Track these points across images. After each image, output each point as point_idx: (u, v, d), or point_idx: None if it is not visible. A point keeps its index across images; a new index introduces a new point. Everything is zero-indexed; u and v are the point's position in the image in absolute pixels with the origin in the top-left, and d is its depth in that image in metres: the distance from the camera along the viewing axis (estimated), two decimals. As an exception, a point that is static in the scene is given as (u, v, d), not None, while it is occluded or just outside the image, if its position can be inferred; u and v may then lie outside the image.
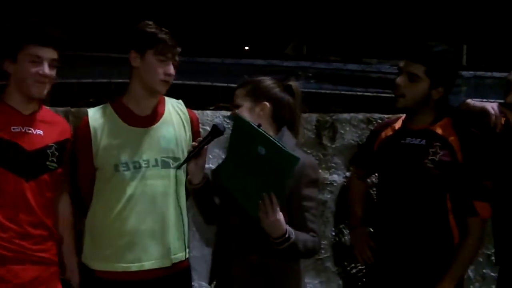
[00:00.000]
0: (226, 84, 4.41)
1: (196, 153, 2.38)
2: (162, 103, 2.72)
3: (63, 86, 4.06)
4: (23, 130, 2.55)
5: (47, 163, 2.57)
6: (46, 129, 2.61)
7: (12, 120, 2.54)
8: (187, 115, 2.74)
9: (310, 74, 4.75)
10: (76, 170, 2.71)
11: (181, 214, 2.68)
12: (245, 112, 2.45)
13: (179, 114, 2.72)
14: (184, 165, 2.50)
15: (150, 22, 2.65)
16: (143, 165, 2.60)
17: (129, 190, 2.59)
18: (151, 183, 2.60)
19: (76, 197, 2.77)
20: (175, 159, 2.61)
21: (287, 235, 2.25)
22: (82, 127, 2.67)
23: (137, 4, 5.99)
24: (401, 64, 2.65)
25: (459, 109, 2.69)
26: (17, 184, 2.51)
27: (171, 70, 2.62)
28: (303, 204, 2.39)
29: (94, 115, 2.66)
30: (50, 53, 2.53)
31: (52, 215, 2.64)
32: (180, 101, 2.79)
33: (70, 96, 3.86)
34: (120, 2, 6.00)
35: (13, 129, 2.53)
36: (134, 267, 2.59)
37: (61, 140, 2.64)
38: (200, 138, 2.42)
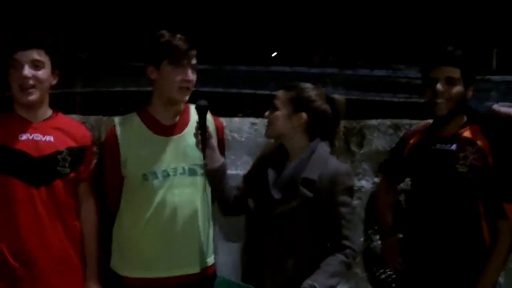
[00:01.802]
0: (253, 91, 4.42)
1: (203, 139, 2.45)
2: (187, 111, 2.73)
3: (95, 95, 4.12)
4: (31, 138, 2.58)
5: (58, 168, 2.60)
6: (58, 135, 2.63)
7: (20, 128, 2.59)
8: (213, 123, 2.75)
9: (339, 81, 4.75)
10: (103, 179, 2.74)
11: (208, 220, 2.72)
12: (281, 118, 2.48)
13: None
14: None
15: (163, 32, 2.65)
16: (171, 173, 2.63)
17: (157, 199, 2.62)
18: (179, 192, 2.64)
19: (103, 205, 2.80)
20: (202, 166, 2.63)
21: None
22: (109, 136, 2.70)
23: (164, 13, 6.06)
24: (434, 72, 2.64)
25: (486, 115, 2.69)
26: (27, 191, 2.55)
27: (189, 75, 2.62)
28: (339, 210, 2.43)
29: (121, 124, 2.69)
30: (31, 55, 2.54)
31: (69, 222, 2.65)
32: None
33: (101, 105, 3.92)
34: (148, 13, 6.07)
35: (21, 136, 2.57)
36: (163, 274, 2.63)
37: (76, 147, 2.67)
38: (196, 125, 2.48)
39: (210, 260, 2.74)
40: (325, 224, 2.43)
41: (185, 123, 2.69)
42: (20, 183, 2.54)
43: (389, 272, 3.35)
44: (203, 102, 2.49)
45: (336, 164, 2.50)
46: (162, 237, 2.63)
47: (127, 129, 2.68)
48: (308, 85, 2.55)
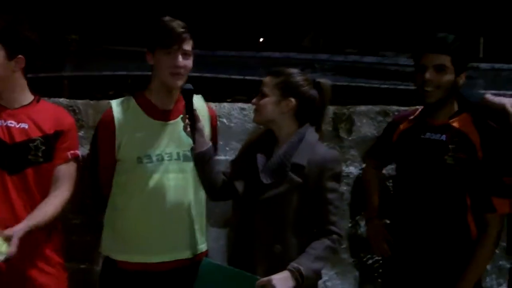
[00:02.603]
0: (242, 77, 4.42)
1: (192, 122, 2.45)
2: (182, 98, 2.71)
3: (83, 79, 4.10)
4: (5, 124, 2.56)
5: (30, 157, 2.56)
6: (34, 122, 2.60)
7: None
8: (206, 111, 2.77)
9: (327, 67, 4.76)
10: (97, 162, 2.72)
11: (201, 207, 2.73)
12: (270, 104, 2.48)
13: (198, 110, 2.71)
14: None
15: (163, 18, 2.64)
16: (166, 158, 2.63)
17: (152, 183, 2.62)
18: (173, 176, 2.63)
19: (96, 189, 2.78)
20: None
21: (300, 280, 2.31)
22: (105, 119, 2.68)
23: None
24: (424, 60, 2.63)
25: (478, 105, 2.68)
26: (0, 176, 2.52)
27: (179, 61, 2.60)
28: (326, 196, 2.44)
29: (118, 107, 2.68)
30: None
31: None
32: (200, 96, 2.79)
33: (89, 89, 3.90)
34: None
35: None
36: (156, 258, 2.63)
37: (52, 133, 2.62)
38: (184, 109, 2.47)
39: (203, 246, 2.75)
40: (313, 210, 2.45)
41: (181, 109, 2.65)
42: None
43: (376, 258, 3.37)
44: (188, 86, 2.49)
45: (324, 150, 2.52)
46: (155, 222, 2.63)
47: (123, 112, 2.67)
48: (295, 71, 2.54)
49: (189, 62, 2.64)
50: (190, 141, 2.56)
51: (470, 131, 2.63)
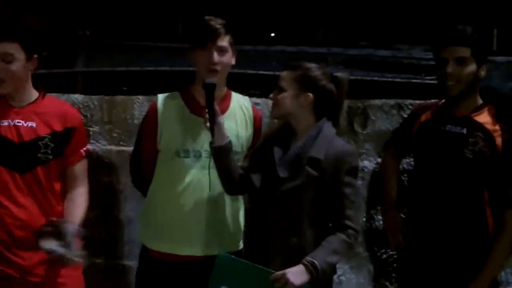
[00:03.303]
0: (256, 71, 4.41)
1: (211, 117, 2.45)
2: (228, 98, 2.75)
3: (97, 75, 4.11)
4: (12, 124, 2.56)
5: (39, 155, 2.57)
6: (41, 120, 2.60)
7: (2, 114, 2.57)
8: (251, 112, 2.79)
9: (339, 60, 4.74)
10: (140, 151, 2.77)
11: (238, 203, 2.75)
12: (288, 99, 2.48)
13: (243, 111, 2.76)
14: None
15: (202, 17, 2.68)
16: (204, 155, 2.65)
17: (188, 178, 2.65)
18: (211, 173, 2.64)
19: (138, 177, 2.83)
20: (235, 153, 2.63)
21: (315, 274, 2.30)
22: (150, 111, 2.75)
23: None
24: (444, 53, 2.61)
25: (506, 97, 2.66)
26: (11, 177, 2.54)
27: (214, 57, 2.62)
28: (342, 191, 2.43)
29: (163, 100, 2.72)
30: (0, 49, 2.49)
31: (53, 208, 2.61)
32: (247, 97, 2.84)
33: (104, 84, 3.91)
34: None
35: (2, 123, 2.56)
36: (187, 251, 2.65)
37: (61, 130, 2.63)
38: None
39: (239, 244, 2.76)
40: (329, 203, 2.44)
41: (224, 108, 2.68)
42: (3, 169, 2.54)
43: (390, 252, 3.37)
44: (209, 80, 2.49)
45: (342, 144, 2.51)
46: (189, 216, 2.64)
47: (167, 105, 2.71)
48: (313, 65, 2.54)
49: (226, 58, 2.66)
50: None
51: (492, 125, 2.61)
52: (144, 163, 2.77)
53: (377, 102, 3.43)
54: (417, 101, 3.26)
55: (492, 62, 4.15)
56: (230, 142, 2.53)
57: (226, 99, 2.74)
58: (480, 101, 2.68)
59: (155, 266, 2.70)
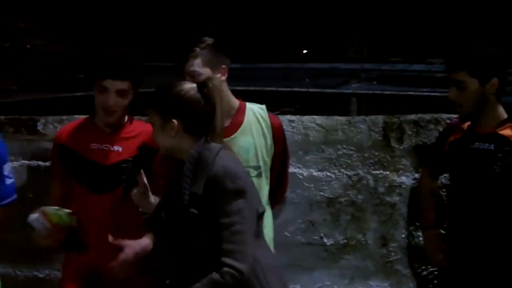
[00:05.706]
0: (290, 89, 4.42)
1: (131, 181, 2.30)
2: (242, 111, 2.70)
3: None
4: (101, 148, 2.67)
5: (123, 177, 2.63)
6: (127, 144, 2.68)
7: (93, 138, 2.68)
8: (268, 121, 2.72)
9: (373, 76, 4.72)
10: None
11: (269, 221, 2.69)
12: (156, 133, 2.22)
13: (259, 122, 2.70)
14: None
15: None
16: None
17: None
18: None
19: None
20: (255, 167, 2.62)
21: None
22: None
23: (193, 11, 6.09)
24: (448, 79, 2.68)
25: None
26: (91, 197, 2.63)
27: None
28: (219, 221, 2.08)
29: None
30: (117, 86, 2.59)
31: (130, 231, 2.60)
32: (263, 106, 2.76)
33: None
34: (183, 13, 6.11)
35: (92, 146, 2.67)
36: None
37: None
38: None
39: None
40: (209, 239, 2.11)
41: (238, 124, 2.66)
42: (85, 189, 2.64)
43: (430, 269, 3.32)
44: (145, 144, 2.58)
45: (217, 166, 2.11)
46: None
47: None
48: (169, 84, 2.24)
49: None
50: (249, 156, 2.59)
51: None
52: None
53: (413, 117, 3.40)
54: (454, 116, 3.22)
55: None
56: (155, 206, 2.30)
57: (240, 113, 2.69)
58: (505, 115, 2.68)
59: None
